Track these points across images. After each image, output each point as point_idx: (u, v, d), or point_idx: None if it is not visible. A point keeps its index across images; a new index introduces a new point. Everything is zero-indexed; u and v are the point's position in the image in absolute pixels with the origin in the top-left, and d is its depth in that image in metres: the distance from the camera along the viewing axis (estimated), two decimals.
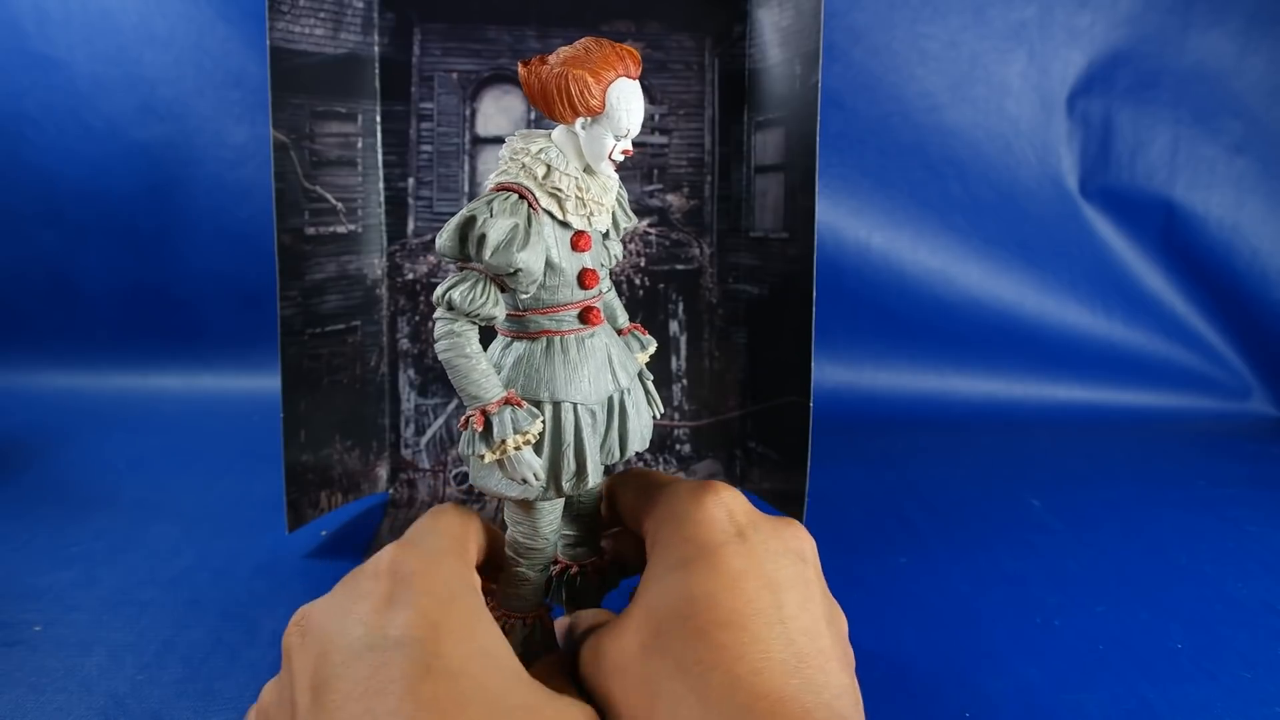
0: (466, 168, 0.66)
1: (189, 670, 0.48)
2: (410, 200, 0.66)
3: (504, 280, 0.37)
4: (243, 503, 0.71)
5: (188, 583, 0.58)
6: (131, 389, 1.01)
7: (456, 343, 0.37)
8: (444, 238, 0.36)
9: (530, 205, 0.37)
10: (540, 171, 0.37)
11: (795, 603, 0.35)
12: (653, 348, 0.45)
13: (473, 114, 0.66)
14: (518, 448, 0.37)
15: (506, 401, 0.37)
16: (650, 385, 0.44)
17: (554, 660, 0.42)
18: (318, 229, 0.62)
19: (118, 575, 0.59)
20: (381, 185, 0.66)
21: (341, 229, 0.64)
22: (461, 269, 0.37)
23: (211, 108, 0.99)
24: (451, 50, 0.65)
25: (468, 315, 0.37)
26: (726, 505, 0.38)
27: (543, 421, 0.38)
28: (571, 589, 0.45)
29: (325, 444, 0.64)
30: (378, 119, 0.65)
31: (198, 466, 0.80)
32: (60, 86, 0.97)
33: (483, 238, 0.35)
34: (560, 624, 0.45)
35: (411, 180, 0.66)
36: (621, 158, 0.38)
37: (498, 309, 0.37)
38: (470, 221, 0.36)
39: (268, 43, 0.58)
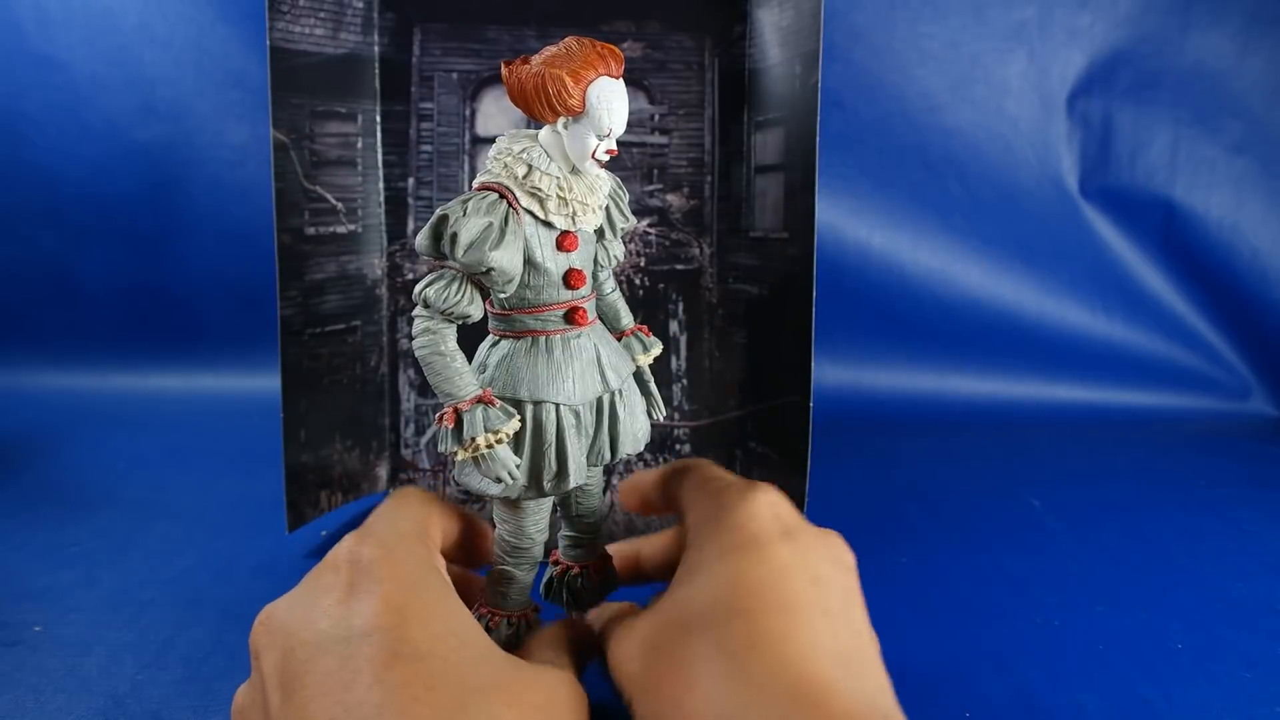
0: (466, 168, 0.66)
1: (189, 670, 0.48)
2: (410, 200, 0.66)
3: (481, 279, 0.37)
4: (243, 503, 0.71)
5: (188, 583, 0.58)
6: (131, 389, 1.01)
7: (432, 340, 0.37)
8: (421, 236, 0.37)
9: (510, 205, 0.37)
10: (521, 171, 0.37)
11: (840, 600, 0.35)
12: (657, 349, 0.45)
13: (473, 114, 0.66)
14: (489, 446, 0.37)
15: (479, 400, 0.37)
16: (653, 388, 0.44)
17: (556, 632, 0.41)
18: (318, 229, 0.62)
19: (118, 575, 0.59)
20: (381, 185, 0.66)
21: (341, 229, 0.64)
22: (439, 267, 0.38)
23: (211, 108, 0.99)
24: (451, 50, 0.65)
25: (443, 313, 0.37)
26: (775, 505, 0.38)
27: (520, 420, 0.38)
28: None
29: (325, 444, 0.64)
30: (378, 119, 0.65)
31: (198, 466, 0.80)
32: (60, 86, 0.97)
33: (455, 236, 0.35)
34: (594, 615, 0.44)
35: (411, 180, 0.66)
36: (606, 157, 0.38)
37: (473, 308, 0.37)
38: (444, 220, 0.36)
39: (268, 43, 0.58)
